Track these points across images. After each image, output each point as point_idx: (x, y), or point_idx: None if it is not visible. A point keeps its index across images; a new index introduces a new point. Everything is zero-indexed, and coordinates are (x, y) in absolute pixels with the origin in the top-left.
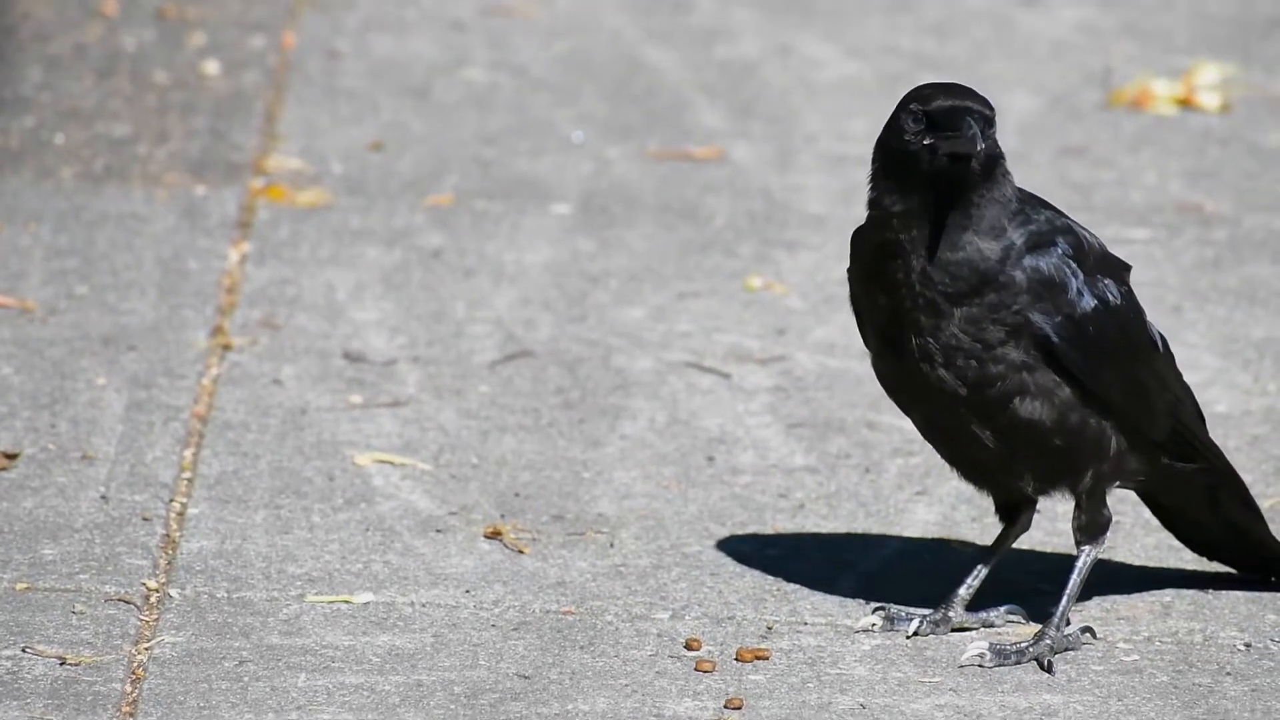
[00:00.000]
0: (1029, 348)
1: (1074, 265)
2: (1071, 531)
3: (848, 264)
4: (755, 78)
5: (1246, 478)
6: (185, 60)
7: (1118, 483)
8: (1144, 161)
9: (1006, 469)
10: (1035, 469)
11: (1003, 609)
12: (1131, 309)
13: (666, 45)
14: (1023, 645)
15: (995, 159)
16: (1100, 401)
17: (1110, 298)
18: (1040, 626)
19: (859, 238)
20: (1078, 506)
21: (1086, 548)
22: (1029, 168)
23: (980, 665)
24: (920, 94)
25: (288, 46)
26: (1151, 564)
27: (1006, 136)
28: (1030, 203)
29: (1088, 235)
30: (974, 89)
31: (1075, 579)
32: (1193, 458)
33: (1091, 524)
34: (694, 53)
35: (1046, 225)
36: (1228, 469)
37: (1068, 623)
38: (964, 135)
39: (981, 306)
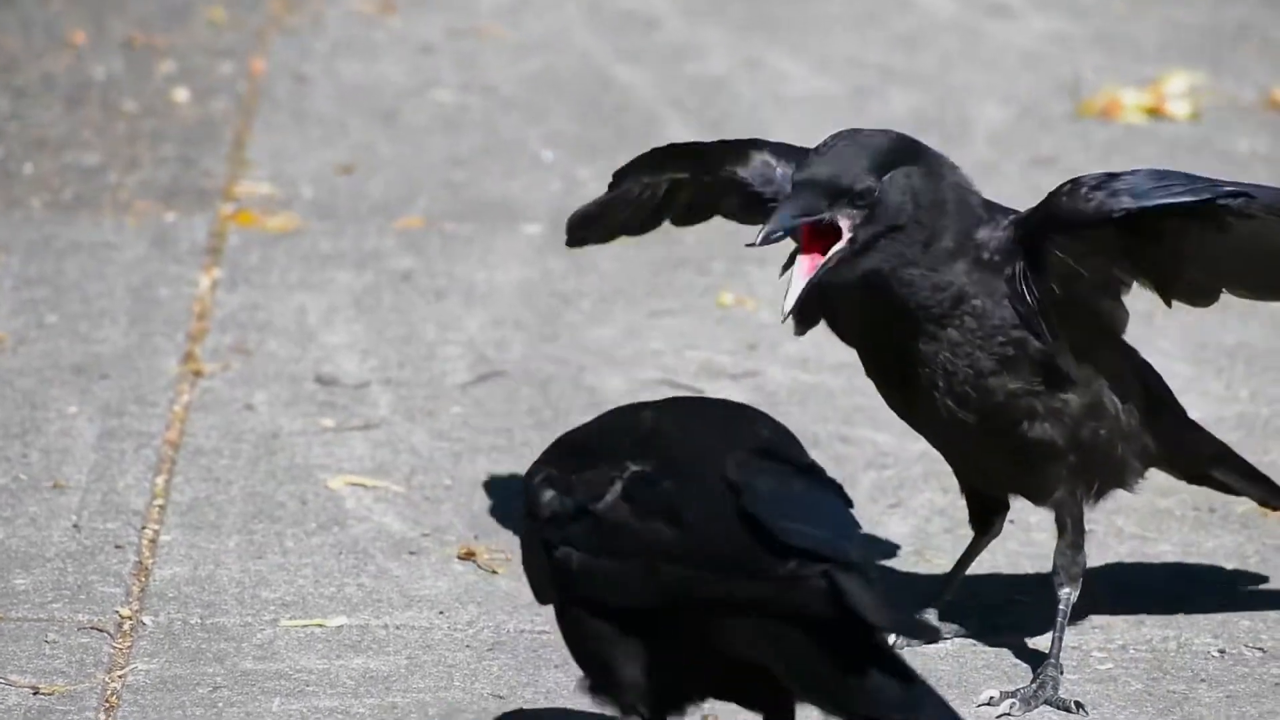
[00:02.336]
0: (1030, 374)
1: None
2: (1053, 568)
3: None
4: (724, 93)
5: None
6: (154, 88)
7: (1139, 477)
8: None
9: (1018, 484)
10: (1046, 483)
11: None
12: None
13: (635, 63)
14: (1034, 689)
15: (881, 190)
16: (1110, 404)
17: None
18: (1040, 670)
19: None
20: (1062, 540)
21: (1067, 590)
22: (999, 178)
23: (1011, 715)
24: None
25: (256, 72)
26: (1124, 573)
27: (976, 147)
28: (1004, 209)
29: None
30: (847, 145)
31: (1062, 621)
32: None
33: (1073, 564)
34: (663, 70)
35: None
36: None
37: (1061, 673)
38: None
39: (963, 330)
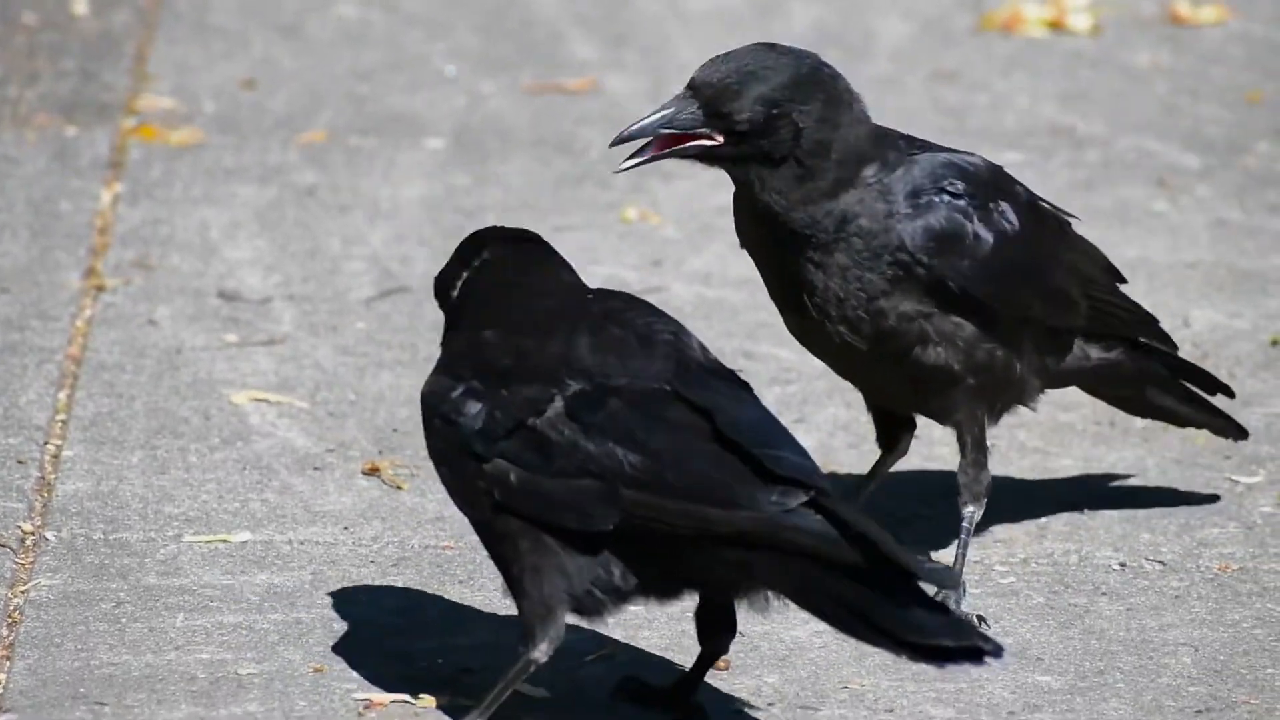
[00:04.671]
0: (921, 296)
1: (964, 206)
2: (958, 486)
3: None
4: (628, 8)
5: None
6: (54, 1)
7: (1038, 393)
8: (1016, 85)
9: (919, 406)
10: (946, 405)
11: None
12: (1032, 219)
13: None
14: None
15: (762, 125)
16: (1006, 327)
17: (1008, 224)
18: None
19: (735, 202)
20: (964, 459)
21: (971, 509)
22: (902, 92)
23: None
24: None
25: None
26: (1026, 487)
27: (879, 62)
28: (899, 144)
29: (971, 161)
30: (747, 65)
31: (965, 539)
32: (1114, 326)
33: (976, 482)
34: None
35: (926, 169)
36: (1148, 319)
37: (963, 588)
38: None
39: (850, 252)
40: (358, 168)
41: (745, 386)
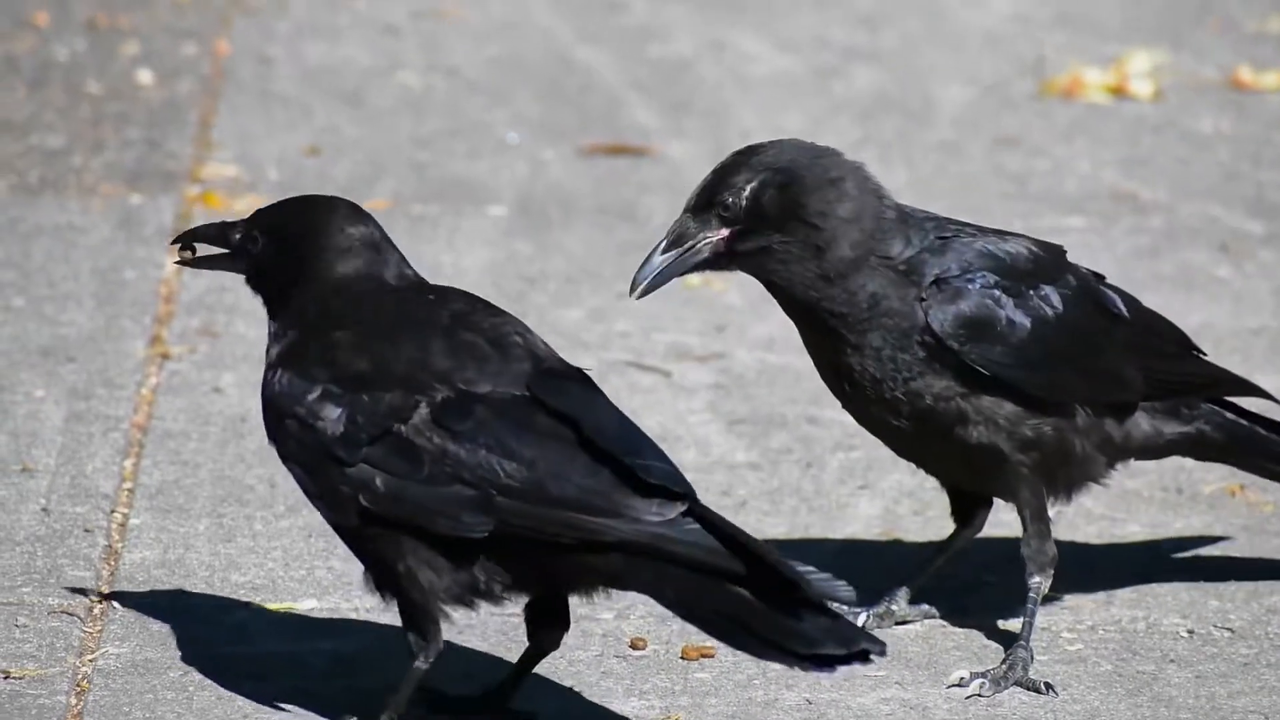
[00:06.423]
0: (954, 377)
1: (995, 293)
2: (1023, 559)
3: None
4: (689, 74)
5: (1188, 465)
6: (118, 70)
7: (1107, 468)
8: (1078, 150)
9: (977, 484)
10: (1002, 482)
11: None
12: (1079, 302)
13: (599, 45)
14: (1004, 670)
15: (757, 205)
16: (1051, 405)
17: (1049, 309)
18: (1010, 651)
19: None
20: (1026, 533)
21: (1038, 579)
22: (963, 158)
23: (981, 695)
24: None
25: (221, 54)
26: (1093, 553)
27: (940, 128)
28: (926, 225)
29: (1008, 250)
30: (730, 162)
31: (1032, 608)
32: (1184, 393)
33: (1040, 553)
34: (627, 51)
35: (957, 254)
36: (1226, 379)
37: (1031, 656)
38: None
39: (882, 333)
40: (420, 235)
41: (596, 388)
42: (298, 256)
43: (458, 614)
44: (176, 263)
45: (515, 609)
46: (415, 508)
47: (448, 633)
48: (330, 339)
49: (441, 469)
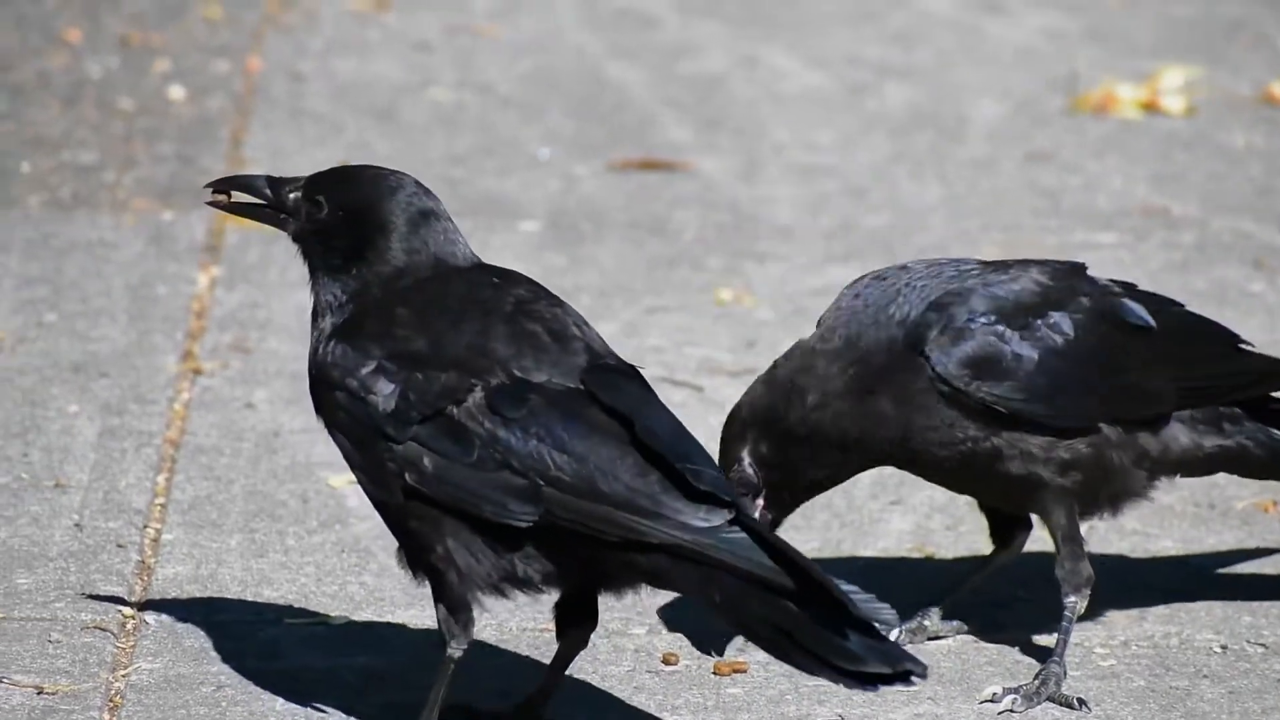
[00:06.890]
0: (977, 418)
1: (1001, 328)
2: (1058, 580)
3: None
4: (721, 91)
5: (1221, 480)
6: (150, 86)
7: (1146, 482)
8: (1110, 166)
9: (1015, 507)
10: (1040, 506)
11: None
12: (1093, 323)
13: (631, 61)
14: (1037, 686)
15: None
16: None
17: (1057, 336)
18: (1043, 667)
19: None
20: (1059, 554)
21: (1073, 598)
22: (996, 173)
23: (1014, 711)
24: None
25: (252, 70)
26: (1126, 569)
27: (973, 143)
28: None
29: (1012, 288)
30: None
31: (1067, 626)
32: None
33: (1075, 574)
34: (659, 68)
35: (953, 299)
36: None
37: (1064, 672)
38: None
39: (895, 385)
40: None
41: (649, 387)
42: (364, 227)
43: (491, 602)
44: (208, 203)
45: (548, 623)
46: (461, 490)
47: (482, 651)
48: (391, 314)
49: (490, 454)
